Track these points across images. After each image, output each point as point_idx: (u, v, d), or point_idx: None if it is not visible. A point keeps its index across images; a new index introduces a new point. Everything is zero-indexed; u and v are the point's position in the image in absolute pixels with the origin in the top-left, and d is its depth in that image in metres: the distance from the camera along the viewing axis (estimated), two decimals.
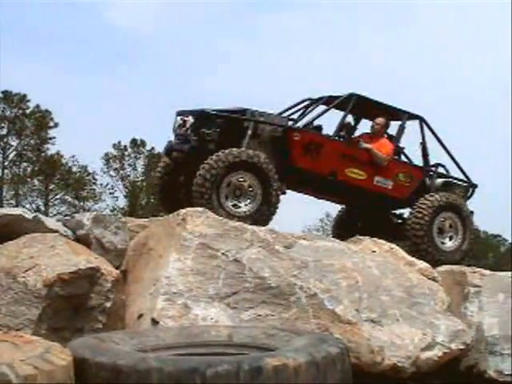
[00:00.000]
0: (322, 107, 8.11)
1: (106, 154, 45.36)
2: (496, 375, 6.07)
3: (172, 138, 7.61)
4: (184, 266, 5.70)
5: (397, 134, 8.39)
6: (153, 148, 45.11)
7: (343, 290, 5.89)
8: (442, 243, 8.01)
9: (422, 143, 8.46)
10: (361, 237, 7.06)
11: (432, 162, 8.52)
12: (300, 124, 7.88)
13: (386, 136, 8.37)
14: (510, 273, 7.04)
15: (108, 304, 5.26)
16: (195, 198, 6.87)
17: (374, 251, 6.65)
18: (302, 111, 8.30)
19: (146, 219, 7.46)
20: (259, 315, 5.58)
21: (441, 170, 8.55)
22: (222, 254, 5.79)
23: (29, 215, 5.97)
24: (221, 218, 6.21)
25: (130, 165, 45.68)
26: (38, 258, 5.26)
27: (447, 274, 6.88)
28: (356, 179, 7.83)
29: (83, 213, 6.28)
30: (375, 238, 7.02)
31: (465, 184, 8.56)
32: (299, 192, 8.01)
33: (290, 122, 7.92)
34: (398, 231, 8.28)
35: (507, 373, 6.06)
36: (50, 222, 5.96)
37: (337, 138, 7.94)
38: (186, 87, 60.30)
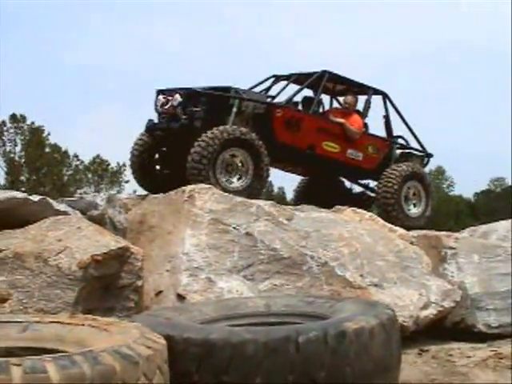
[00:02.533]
0: (292, 84, 8.40)
1: None
2: (485, 328, 6.57)
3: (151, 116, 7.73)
4: (199, 241, 5.87)
5: (364, 109, 8.84)
6: (33, 123, 44.21)
7: (347, 257, 6.21)
8: (409, 210, 8.53)
9: (385, 117, 8.93)
10: (340, 206, 7.40)
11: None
12: (278, 101, 8.15)
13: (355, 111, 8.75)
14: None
15: (139, 282, 5.34)
16: (192, 174, 7.02)
17: (362, 220, 7.01)
18: (268, 88, 8.59)
19: (124, 197, 7.56)
20: (275, 285, 5.82)
21: (401, 141, 9.05)
22: (234, 228, 5.99)
23: (34, 198, 5.95)
24: (225, 193, 6.40)
25: (10, 140, 44.45)
26: (67, 240, 5.25)
27: (421, 239, 7.32)
28: (331, 152, 8.22)
29: (93, 194, 6.29)
30: (354, 208, 7.39)
31: (421, 154, 9.07)
32: (276, 167, 8.25)
33: (269, 99, 8.18)
34: (360, 200, 8.72)
35: (494, 325, 6.59)
36: (58, 204, 5.95)
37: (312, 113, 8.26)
38: (60, 60, 59.00)
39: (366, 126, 8.84)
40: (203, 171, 7.01)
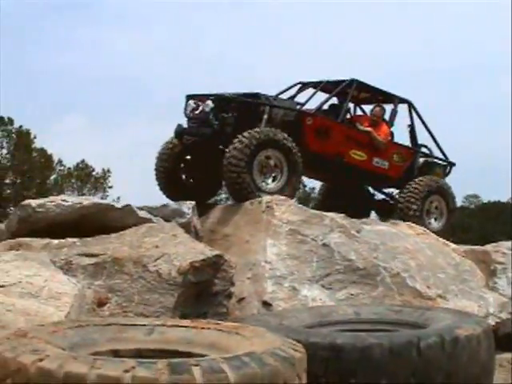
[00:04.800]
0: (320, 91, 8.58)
1: None
2: None
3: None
4: (280, 250, 6.14)
5: (390, 118, 8.90)
6: (21, 126, 44.00)
7: (414, 269, 6.51)
8: (429, 223, 8.56)
9: (410, 126, 9.09)
10: (395, 221, 7.70)
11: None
12: (308, 108, 8.26)
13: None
14: None
15: (232, 289, 5.56)
16: (229, 178, 7.08)
17: (418, 234, 7.31)
18: (293, 95, 8.72)
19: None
20: (351, 294, 6.10)
21: (424, 150, 9.21)
22: (312, 239, 6.27)
23: (118, 204, 6.18)
24: (299, 205, 6.67)
25: None
26: (164, 247, 5.46)
27: (468, 253, 7.62)
28: (358, 160, 8.33)
29: (179, 202, 6.47)
30: (409, 222, 7.69)
31: (444, 163, 9.25)
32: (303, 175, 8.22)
33: (298, 106, 8.27)
34: (383, 207, 9.05)
35: None
36: (141, 212, 6.15)
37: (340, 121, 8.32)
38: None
39: (391, 134, 8.93)
40: (242, 173, 7.02)
